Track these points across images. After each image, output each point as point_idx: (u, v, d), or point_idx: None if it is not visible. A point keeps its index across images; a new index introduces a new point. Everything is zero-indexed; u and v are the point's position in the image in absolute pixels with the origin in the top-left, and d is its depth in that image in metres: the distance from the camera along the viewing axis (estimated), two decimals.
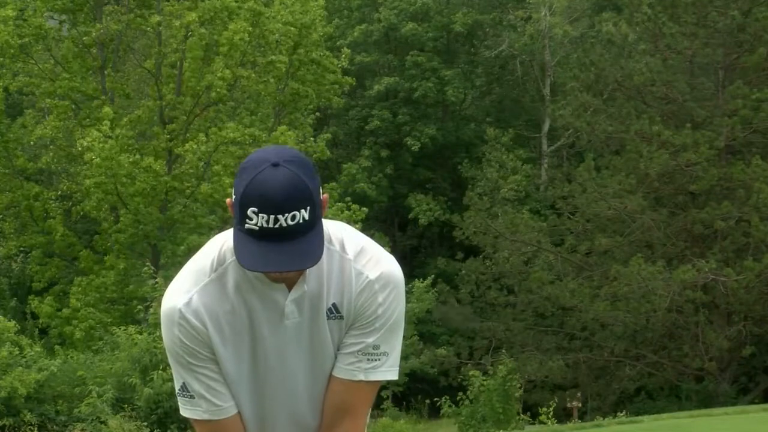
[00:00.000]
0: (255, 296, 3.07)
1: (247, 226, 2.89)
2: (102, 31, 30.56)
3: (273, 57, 31.28)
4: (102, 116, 29.49)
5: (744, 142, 29.88)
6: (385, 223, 43.94)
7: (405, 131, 42.78)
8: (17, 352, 20.42)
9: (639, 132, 29.40)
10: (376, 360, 3.12)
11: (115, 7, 31.86)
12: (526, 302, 32.13)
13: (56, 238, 31.84)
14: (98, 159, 28.41)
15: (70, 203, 33.94)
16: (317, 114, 37.03)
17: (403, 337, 3.29)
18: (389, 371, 3.15)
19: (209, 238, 3.23)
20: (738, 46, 30.13)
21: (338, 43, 40.55)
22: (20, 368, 19.70)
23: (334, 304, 3.10)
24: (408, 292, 28.36)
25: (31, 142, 33.23)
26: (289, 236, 2.87)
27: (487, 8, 44.57)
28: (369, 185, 40.67)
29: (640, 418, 19.12)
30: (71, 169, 33.67)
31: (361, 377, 3.13)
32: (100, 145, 28.49)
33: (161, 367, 17.92)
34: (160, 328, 3.25)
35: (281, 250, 2.88)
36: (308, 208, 2.88)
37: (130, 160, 28.92)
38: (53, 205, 32.96)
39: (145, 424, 17.74)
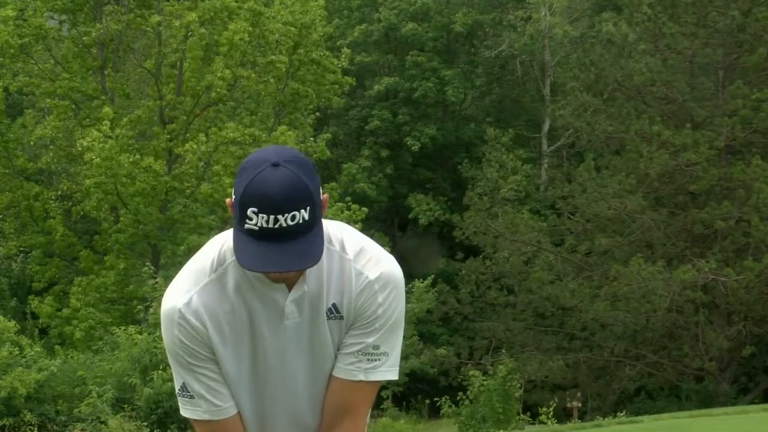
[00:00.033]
0: (255, 296, 3.07)
1: (246, 226, 2.89)
2: (102, 31, 30.56)
3: (273, 57, 31.28)
4: (102, 116, 29.49)
5: (744, 142, 29.89)
6: (385, 223, 43.94)
7: (405, 131, 42.78)
8: (17, 352, 20.43)
9: (639, 132, 29.40)
10: (376, 360, 3.12)
11: (115, 7, 31.86)
12: (526, 302, 32.14)
13: (56, 238, 31.84)
14: (98, 159, 28.41)
15: (70, 203, 33.94)
16: (317, 114, 37.03)
17: (403, 337, 3.29)
18: (389, 371, 3.15)
19: (209, 238, 3.23)
20: (738, 46, 30.13)
21: (338, 43, 40.54)
22: (20, 368, 19.71)
23: (334, 304, 3.10)
24: (408, 292, 28.36)
25: (31, 142, 33.23)
26: (289, 236, 2.87)
27: (487, 8, 44.55)
28: (369, 185, 40.67)
29: (640, 418, 19.12)
30: (71, 169, 33.67)
31: (361, 377, 3.13)
32: (100, 145, 28.49)
33: (161, 367, 17.93)
34: (160, 328, 3.25)
35: (281, 250, 2.87)
36: (308, 208, 2.88)
37: (130, 160, 28.92)
38: (53, 205, 32.96)
39: (145, 424, 17.74)
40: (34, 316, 31.17)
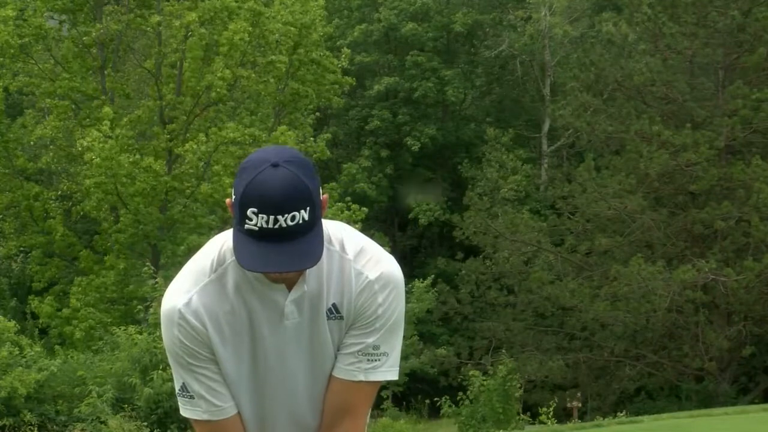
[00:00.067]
0: (255, 296, 3.07)
1: (246, 226, 2.89)
2: (102, 31, 30.57)
3: (273, 57, 31.28)
4: (102, 116, 29.49)
5: (744, 142, 29.89)
6: (385, 223, 43.94)
7: (405, 131, 42.78)
8: (17, 352, 20.43)
9: (639, 132, 29.40)
10: (376, 360, 3.12)
11: (115, 7, 31.86)
12: (526, 302, 32.13)
13: (56, 238, 31.84)
14: (98, 159, 28.41)
15: (70, 203, 33.94)
16: (317, 114, 37.03)
17: (403, 337, 3.29)
18: (389, 371, 3.15)
19: (209, 238, 3.23)
20: (738, 46, 30.13)
21: (338, 43, 40.54)
22: (20, 368, 19.71)
23: (334, 305, 3.10)
24: (408, 292, 28.36)
25: (31, 142, 33.23)
26: (289, 237, 2.87)
27: (487, 8, 44.56)
28: (369, 185, 40.67)
29: (640, 418, 19.12)
30: (71, 169, 33.67)
31: (361, 377, 3.13)
32: (100, 145, 28.49)
33: (161, 367, 17.93)
34: (160, 328, 3.25)
35: (281, 250, 2.88)
36: (308, 208, 2.88)
37: (130, 160, 28.92)
38: (53, 205, 32.96)
39: (145, 424, 17.74)
40: (34, 316, 31.17)
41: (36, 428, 19.27)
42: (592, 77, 31.63)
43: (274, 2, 32.47)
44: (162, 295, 3.20)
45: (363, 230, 3.36)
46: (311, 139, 33.70)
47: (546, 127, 42.95)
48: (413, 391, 33.15)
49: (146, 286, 23.86)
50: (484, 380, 22.64)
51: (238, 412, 3.18)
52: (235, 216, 2.92)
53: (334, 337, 3.13)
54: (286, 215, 2.85)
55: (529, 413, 24.05)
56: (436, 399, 24.18)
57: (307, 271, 3.02)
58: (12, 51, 30.68)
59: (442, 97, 43.35)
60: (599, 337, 30.97)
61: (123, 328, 20.52)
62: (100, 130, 28.99)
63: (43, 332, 31.02)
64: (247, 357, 3.12)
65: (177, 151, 30.39)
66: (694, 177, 28.98)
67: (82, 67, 31.73)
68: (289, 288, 3.05)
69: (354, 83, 36.59)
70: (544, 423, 21.43)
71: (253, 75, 31.14)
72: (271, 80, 32.06)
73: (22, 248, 34.32)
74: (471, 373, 23.72)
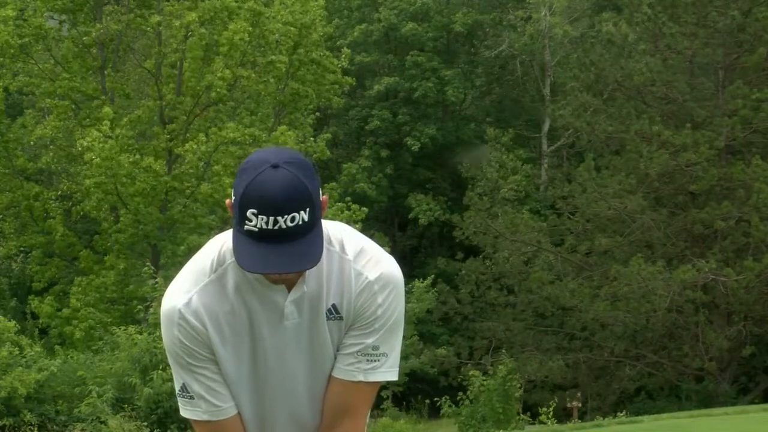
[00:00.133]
0: (255, 297, 3.07)
1: (246, 227, 2.89)
2: (102, 31, 30.57)
3: (273, 57, 31.28)
4: (102, 116, 29.49)
5: (744, 142, 29.89)
6: (385, 223, 43.94)
7: (405, 131, 42.78)
8: (17, 352, 20.43)
9: (639, 132, 29.40)
10: (375, 361, 3.12)
11: (115, 7, 31.86)
12: (526, 302, 32.13)
13: (56, 238, 31.84)
14: (98, 159, 28.41)
15: (70, 203, 33.94)
16: (317, 114, 37.03)
17: (403, 337, 3.29)
18: (389, 372, 3.15)
19: (209, 238, 3.23)
20: (738, 46, 30.13)
21: (338, 43, 40.54)
22: (20, 368, 19.71)
23: (333, 305, 3.10)
24: (408, 292, 28.36)
25: (31, 142, 33.24)
26: (289, 238, 2.87)
27: (487, 8, 44.56)
28: (369, 185, 40.67)
29: (640, 418, 19.12)
30: (71, 169, 33.67)
31: (361, 378, 3.13)
32: (100, 145, 28.50)
33: (161, 367, 17.93)
34: (160, 328, 3.26)
35: (280, 251, 2.88)
36: (308, 209, 2.88)
37: (130, 160, 28.92)
38: (53, 205, 32.96)
39: (145, 424, 17.74)
40: (34, 316, 31.17)
41: (36, 428, 19.27)
42: (592, 77, 31.63)
43: (274, 2, 32.47)
44: (162, 295, 3.20)
45: (363, 230, 3.37)
46: (311, 139, 33.70)
47: (546, 127, 42.95)
48: (413, 391, 33.15)
49: (146, 286, 23.86)
50: (484, 380, 22.64)
51: (238, 413, 3.18)
52: (234, 217, 2.92)
53: (334, 337, 3.13)
54: (285, 216, 2.85)
55: (529, 413, 24.05)
56: (436, 399, 24.18)
57: (307, 271, 3.02)
58: (12, 51, 30.68)
59: (442, 97, 43.36)
60: (599, 337, 30.97)
61: (123, 328, 20.53)
62: (100, 130, 28.99)
63: (43, 332, 31.03)
64: (247, 357, 3.12)
65: (177, 151, 30.40)
66: (694, 177, 28.98)
67: (82, 67, 31.73)
68: (289, 288, 3.05)
69: (354, 83, 36.59)
70: (544, 423, 21.43)
71: (253, 75, 31.14)
72: (271, 80, 32.06)
73: (22, 248, 34.33)
74: (471, 373, 23.72)
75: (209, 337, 3.08)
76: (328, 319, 3.10)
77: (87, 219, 34.36)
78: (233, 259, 3.02)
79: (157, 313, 15.55)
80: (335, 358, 3.15)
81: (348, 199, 32.67)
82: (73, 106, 32.03)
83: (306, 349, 3.13)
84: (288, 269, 2.90)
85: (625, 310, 28.34)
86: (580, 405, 28.31)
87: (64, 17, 32.64)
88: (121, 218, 30.42)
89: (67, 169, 34.29)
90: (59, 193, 33.39)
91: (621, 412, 23.18)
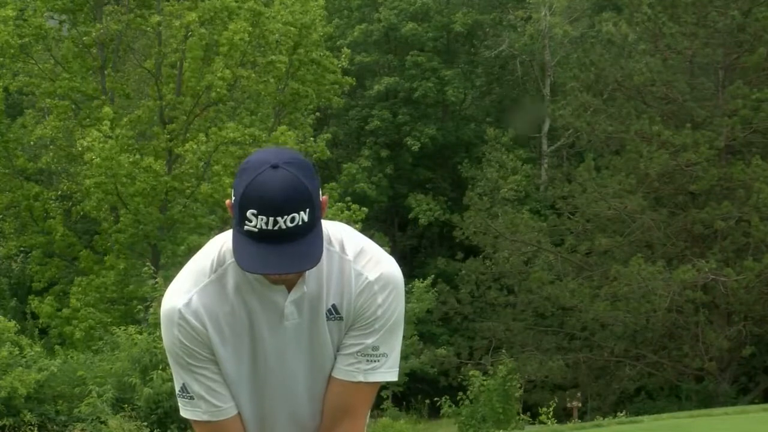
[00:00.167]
0: (255, 297, 3.07)
1: (246, 227, 2.88)
2: (102, 31, 30.57)
3: (273, 57, 31.28)
4: (102, 116, 29.49)
5: (744, 142, 29.89)
6: (385, 223, 43.94)
7: (405, 131, 42.78)
8: (17, 352, 20.43)
9: (639, 132, 29.40)
10: (375, 361, 3.12)
11: (115, 7, 31.86)
12: (526, 302, 32.13)
13: (56, 238, 31.84)
14: (98, 159, 28.42)
15: (70, 203, 33.94)
16: (317, 114, 37.02)
17: (403, 337, 3.29)
18: (388, 372, 3.15)
19: (209, 238, 3.23)
20: (738, 46, 30.13)
21: (338, 43, 40.54)
22: (20, 368, 19.72)
23: (333, 305, 3.10)
24: (408, 292, 28.36)
25: (31, 142, 33.24)
26: (289, 238, 2.87)
27: (487, 8, 44.56)
28: (369, 185, 40.67)
29: (640, 418, 19.12)
30: (71, 169, 33.67)
31: (361, 378, 3.13)
32: (100, 145, 28.50)
33: (161, 367, 17.93)
34: (159, 329, 3.26)
35: (280, 252, 2.87)
36: (308, 210, 2.88)
37: (130, 160, 28.92)
38: (53, 205, 32.97)
39: (145, 424, 17.74)
40: (34, 316, 31.17)
41: (36, 428, 19.28)
42: (592, 77, 31.63)
43: (274, 2, 32.47)
44: (162, 295, 3.20)
45: (363, 230, 3.36)
46: (311, 139, 33.70)
47: (546, 127, 42.95)
48: (413, 391, 33.15)
49: (146, 286, 23.86)
50: (484, 380, 22.64)
51: (238, 413, 3.18)
52: (234, 217, 2.92)
53: (334, 337, 3.13)
54: (285, 217, 2.85)
55: (529, 413, 24.04)
56: (436, 399, 24.18)
57: (307, 272, 3.02)
58: (12, 51, 30.68)
59: (442, 97, 43.36)
60: (599, 337, 30.98)
61: (123, 328, 20.53)
62: (100, 130, 28.99)
63: (43, 332, 31.03)
64: (247, 358, 3.12)
65: (177, 151, 30.40)
66: (694, 177, 28.98)
67: (82, 67, 31.73)
68: (289, 289, 3.05)
69: (354, 83, 36.59)
70: (544, 423, 21.43)
71: (253, 75, 31.14)
72: (271, 80, 32.06)
73: (22, 248, 34.33)
74: (471, 373, 23.72)
75: (209, 338, 3.07)
76: (328, 319, 3.10)
77: (87, 219, 34.36)
78: (233, 259, 3.01)
79: (157, 313, 15.55)
80: (335, 358, 3.15)
81: (348, 199, 32.67)
82: (73, 106, 32.04)
83: (306, 350, 3.13)
84: (288, 270, 2.89)
85: (625, 310, 28.34)
86: (580, 405, 28.30)
87: (64, 17, 32.65)
88: (121, 218, 30.42)
89: (67, 169, 34.29)
90: (59, 193, 33.39)
91: (621, 412, 23.19)
